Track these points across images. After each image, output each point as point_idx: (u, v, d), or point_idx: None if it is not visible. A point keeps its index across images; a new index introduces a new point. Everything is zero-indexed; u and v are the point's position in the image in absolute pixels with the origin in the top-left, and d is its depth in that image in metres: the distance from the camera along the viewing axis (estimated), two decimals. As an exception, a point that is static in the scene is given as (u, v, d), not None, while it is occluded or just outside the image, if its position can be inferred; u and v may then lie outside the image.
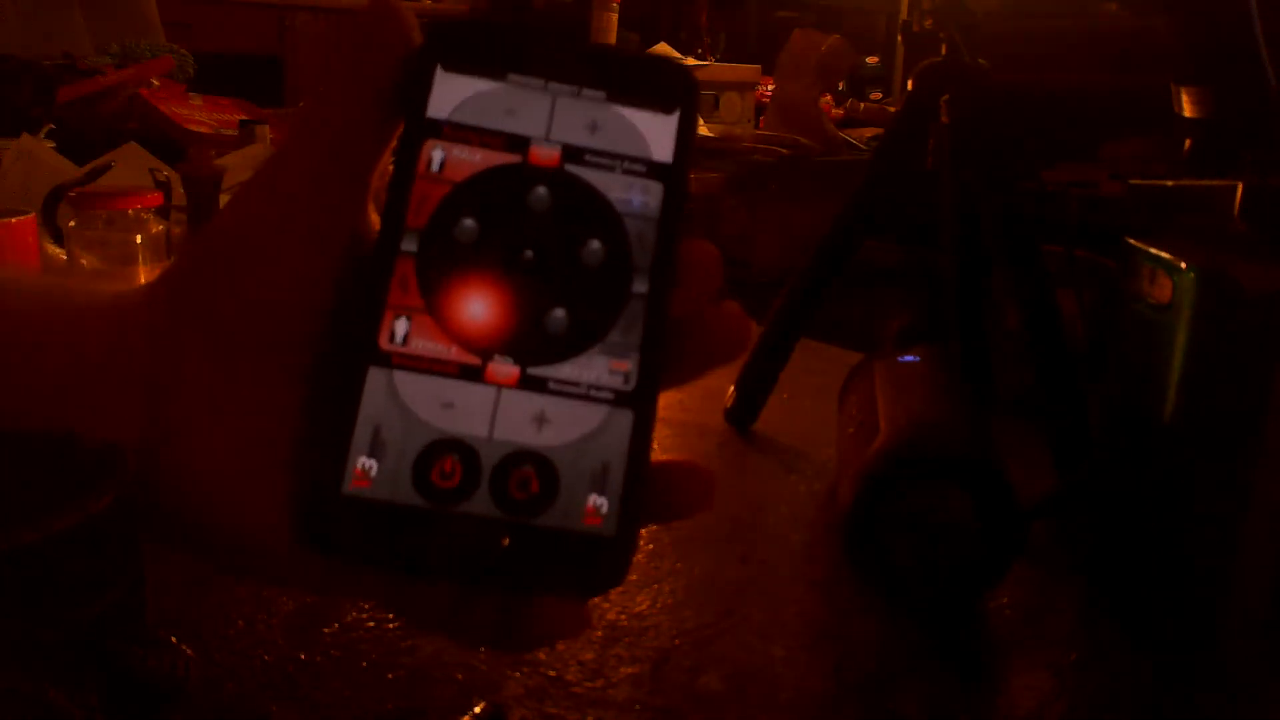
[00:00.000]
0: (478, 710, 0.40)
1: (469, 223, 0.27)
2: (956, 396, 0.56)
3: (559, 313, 0.27)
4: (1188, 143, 0.68)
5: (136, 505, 0.25)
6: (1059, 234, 0.69)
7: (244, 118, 1.51)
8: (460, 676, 0.43)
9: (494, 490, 0.26)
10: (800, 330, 0.72)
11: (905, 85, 0.71)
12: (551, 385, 0.26)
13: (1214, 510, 0.46)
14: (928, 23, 0.70)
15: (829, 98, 2.41)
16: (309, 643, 0.44)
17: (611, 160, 0.28)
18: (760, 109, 2.45)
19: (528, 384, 0.26)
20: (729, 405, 0.74)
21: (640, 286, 0.27)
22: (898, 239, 0.89)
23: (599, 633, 0.46)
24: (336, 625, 0.46)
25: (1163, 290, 0.46)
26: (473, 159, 0.27)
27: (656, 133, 0.28)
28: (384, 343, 0.26)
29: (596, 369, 0.27)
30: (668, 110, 0.28)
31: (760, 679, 0.44)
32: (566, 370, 0.27)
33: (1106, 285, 0.62)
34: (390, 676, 0.42)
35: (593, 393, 0.27)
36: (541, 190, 0.27)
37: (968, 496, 0.47)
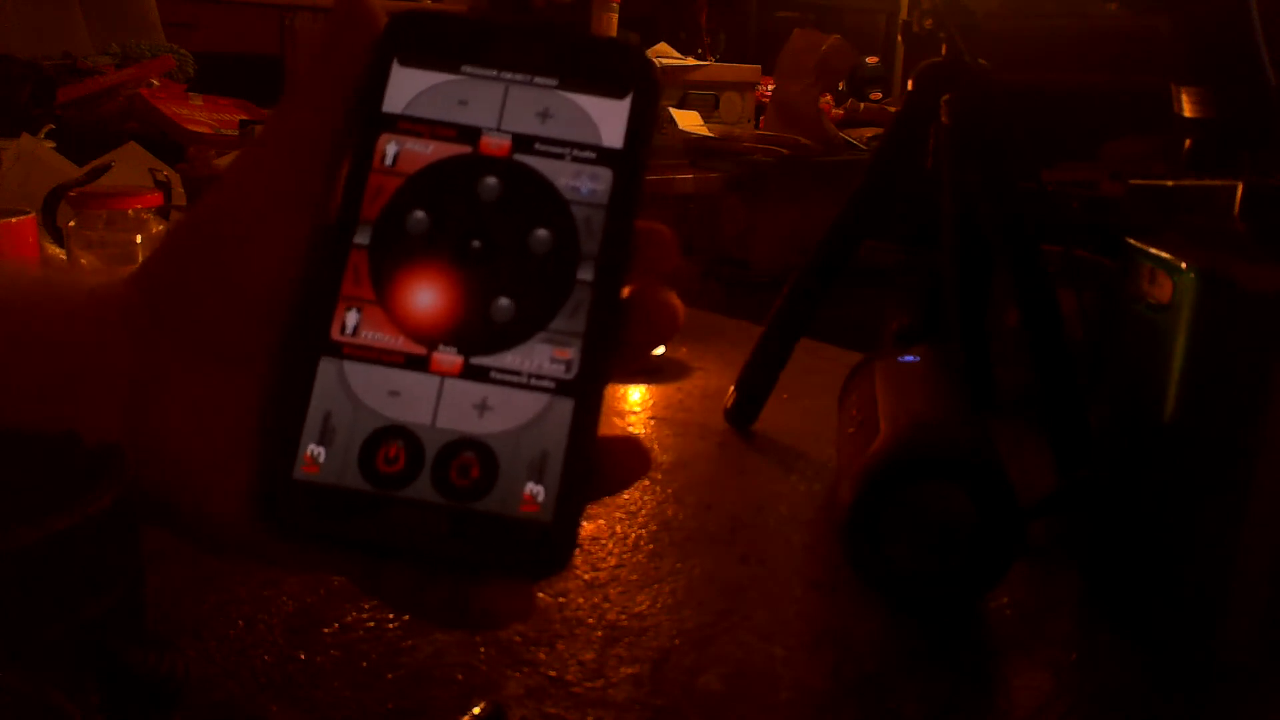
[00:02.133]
0: (477, 710, 0.40)
1: (419, 215, 0.28)
2: (956, 396, 0.56)
3: (503, 302, 0.27)
4: (1188, 143, 0.68)
5: (136, 504, 0.25)
6: (1059, 234, 0.69)
7: (244, 118, 1.51)
8: (460, 676, 0.43)
9: (435, 476, 0.27)
10: (800, 330, 0.72)
11: (905, 85, 0.71)
12: (494, 374, 0.27)
13: (1214, 510, 0.46)
14: (928, 23, 0.70)
15: (829, 98, 2.40)
16: (309, 643, 0.44)
17: (562, 148, 0.28)
18: (760, 109, 2.44)
19: (470, 373, 0.27)
20: (729, 405, 0.74)
21: (586, 274, 0.27)
22: (898, 239, 0.89)
23: (599, 633, 0.46)
24: (336, 625, 0.46)
25: (1163, 290, 0.46)
26: (425, 151, 0.28)
27: (608, 119, 0.28)
28: (336, 333, 0.27)
29: (538, 357, 0.27)
30: (620, 95, 0.28)
31: (760, 679, 0.44)
32: (509, 359, 0.27)
33: (1106, 285, 0.62)
34: (390, 676, 0.42)
35: (533, 381, 0.27)
36: (491, 180, 0.28)
37: (968, 496, 0.47)
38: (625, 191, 0.28)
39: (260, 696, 0.41)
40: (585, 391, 0.27)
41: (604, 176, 0.28)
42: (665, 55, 2.23)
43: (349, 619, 0.46)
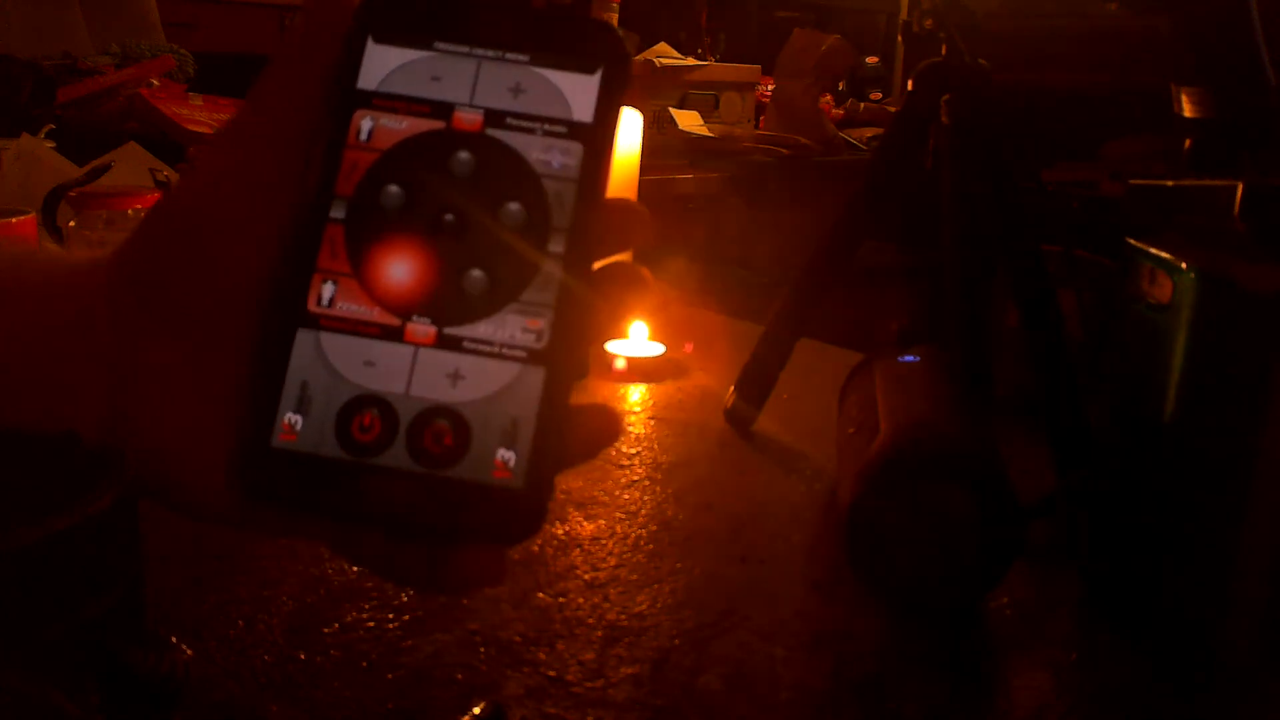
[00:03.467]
0: (478, 710, 0.40)
1: (393, 189, 0.28)
2: (956, 396, 0.56)
3: (476, 273, 0.28)
4: (1188, 143, 0.68)
5: (136, 504, 0.25)
6: (1059, 234, 0.69)
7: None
8: (460, 676, 0.43)
9: (409, 443, 0.27)
10: (800, 330, 0.72)
11: (905, 85, 0.70)
12: (466, 344, 0.28)
13: (1214, 510, 0.46)
14: (928, 23, 0.70)
15: (829, 98, 2.40)
16: (309, 643, 0.44)
17: (533, 122, 0.29)
18: (760, 109, 2.44)
19: (444, 343, 0.28)
20: (729, 405, 0.74)
21: (557, 246, 0.28)
22: (898, 239, 0.89)
23: (599, 633, 0.46)
24: (336, 625, 0.46)
25: (1163, 290, 0.46)
26: (399, 127, 0.29)
27: (578, 93, 0.29)
28: (312, 305, 0.28)
29: (510, 327, 0.28)
30: (590, 70, 0.29)
31: (760, 679, 0.44)
32: (481, 329, 0.28)
33: (1106, 285, 0.62)
34: (390, 676, 0.42)
35: (505, 350, 0.28)
36: (464, 155, 0.28)
37: (968, 496, 0.47)
38: (596, 164, 0.29)
39: (260, 696, 0.41)
40: (556, 360, 0.28)
41: (575, 150, 0.29)
42: (665, 55, 2.23)
43: (349, 619, 0.46)
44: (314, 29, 0.29)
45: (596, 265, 0.29)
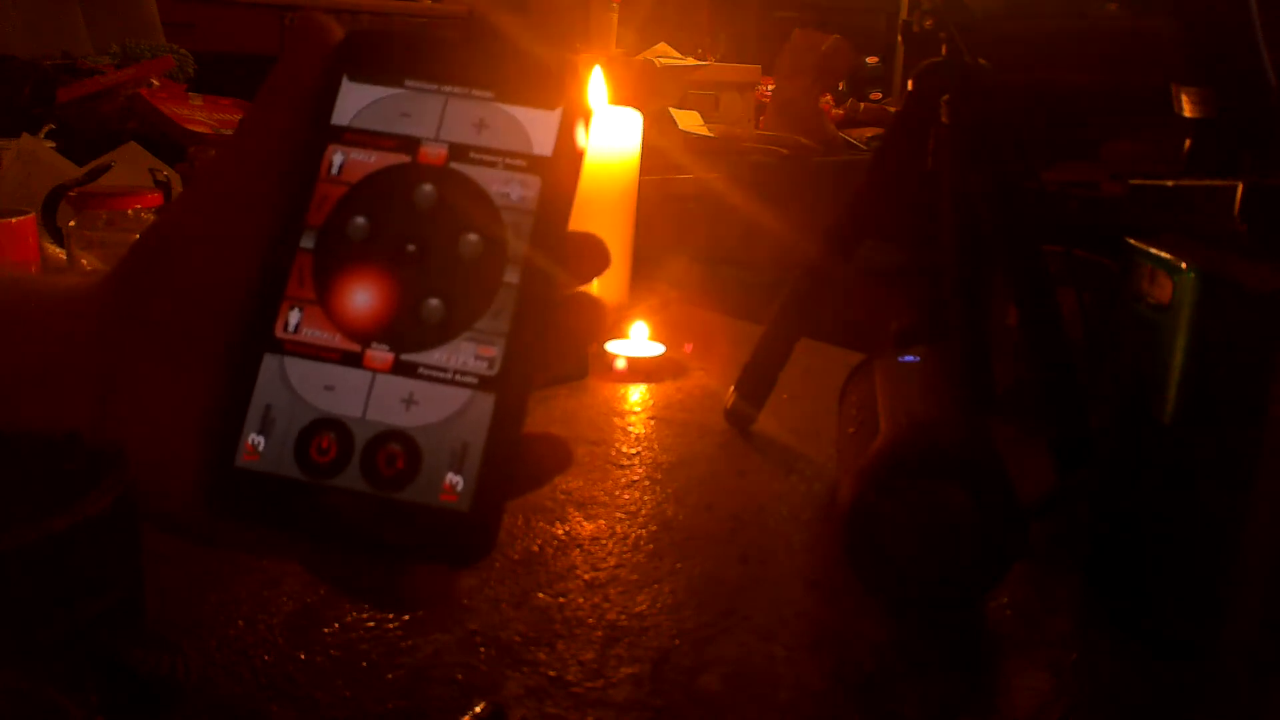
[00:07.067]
0: (478, 710, 0.40)
1: (359, 220, 0.29)
2: (956, 396, 0.56)
3: (433, 302, 0.29)
4: (1188, 143, 0.68)
5: (136, 505, 0.25)
6: (1059, 234, 0.69)
7: (243, 118, 1.51)
8: (460, 676, 0.43)
9: (364, 466, 0.28)
10: (800, 330, 0.72)
11: (905, 85, 0.70)
12: (421, 370, 0.29)
13: (1214, 510, 0.46)
14: (928, 23, 0.70)
15: (829, 98, 2.40)
16: (309, 643, 0.44)
17: (494, 156, 0.30)
18: (760, 109, 2.44)
19: (400, 369, 0.29)
20: (729, 405, 0.74)
21: (512, 277, 0.29)
22: (898, 239, 0.89)
23: (599, 633, 0.46)
24: (336, 625, 0.46)
25: (1163, 290, 0.46)
26: (368, 161, 0.30)
27: (539, 129, 0.30)
28: (279, 331, 0.29)
29: (463, 355, 0.29)
30: (551, 106, 0.30)
31: (760, 679, 0.44)
32: (436, 356, 0.29)
33: (1106, 285, 0.62)
34: (390, 676, 0.42)
35: (458, 377, 0.29)
36: (427, 187, 0.30)
37: (968, 496, 0.47)
38: (554, 198, 0.29)
39: (260, 696, 0.41)
40: (507, 388, 0.28)
41: (533, 184, 0.29)
42: (665, 55, 2.23)
43: (349, 619, 0.46)
44: (294, 68, 0.31)
45: (554, 295, 0.29)
